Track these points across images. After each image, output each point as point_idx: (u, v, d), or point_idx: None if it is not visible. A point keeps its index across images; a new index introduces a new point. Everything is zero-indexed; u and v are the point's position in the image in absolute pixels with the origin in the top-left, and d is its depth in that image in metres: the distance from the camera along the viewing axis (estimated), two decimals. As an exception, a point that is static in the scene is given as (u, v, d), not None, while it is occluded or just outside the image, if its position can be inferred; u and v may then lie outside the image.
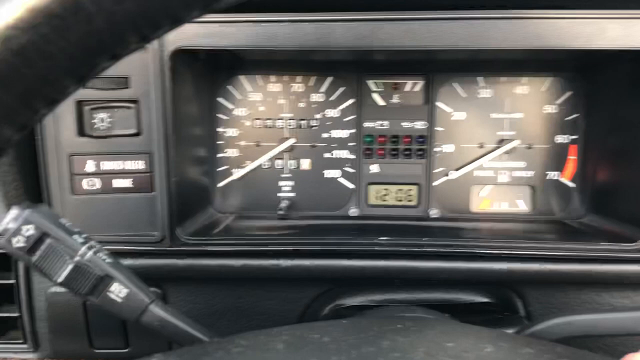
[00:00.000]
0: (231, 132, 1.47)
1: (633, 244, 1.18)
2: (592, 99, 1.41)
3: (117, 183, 1.20)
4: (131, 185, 1.20)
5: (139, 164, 1.19)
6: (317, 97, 1.46)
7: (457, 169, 1.47)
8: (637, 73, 1.21)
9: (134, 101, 1.16)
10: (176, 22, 0.46)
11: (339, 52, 1.20)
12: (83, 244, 0.84)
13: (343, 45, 1.11)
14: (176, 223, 1.20)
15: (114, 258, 0.89)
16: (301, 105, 1.46)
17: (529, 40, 1.10)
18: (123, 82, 1.15)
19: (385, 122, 1.47)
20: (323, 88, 1.45)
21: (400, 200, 1.49)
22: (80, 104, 1.16)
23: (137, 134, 1.18)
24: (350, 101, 1.46)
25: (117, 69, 1.13)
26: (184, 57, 1.18)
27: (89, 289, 0.84)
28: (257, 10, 1.12)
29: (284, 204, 1.43)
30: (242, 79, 1.45)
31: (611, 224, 1.32)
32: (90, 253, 0.84)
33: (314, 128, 1.47)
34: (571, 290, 1.27)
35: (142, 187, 1.20)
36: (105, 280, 0.85)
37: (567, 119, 1.44)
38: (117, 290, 0.86)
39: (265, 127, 1.47)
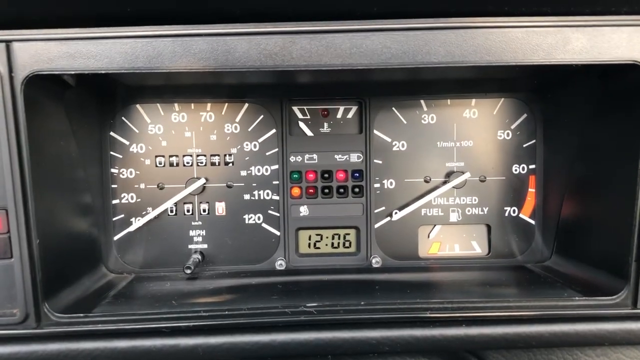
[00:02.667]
0: (127, 173, 1.21)
1: (612, 297, 0.97)
2: (551, 123, 1.22)
3: (-39, 249, 0.92)
4: (-20, 251, 0.92)
5: (-11, 224, 0.91)
6: (231, 128, 1.21)
7: (400, 208, 1.24)
8: (606, 90, 1.02)
9: None
10: None
11: (250, 74, 0.96)
12: None
13: (247, 65, 0.87)
14: (44, 296, 0.93)
15: None
16: (212, 138, 1.21)
17: (478, 55, 0.89)
18: (-38, 117, 0.88)
19: (315, 155, 1.23)
20: (238, 117, 1.21)
21: (336, 247, 1.25)
22: None
23: None
24: (272, 132, 1.22)
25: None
26: (46, 85, 0.92)
27: None
28: (136, 23, 0.87)
29: (192, 260, 1.16)
30: (139, 109, 1.20)
31: (581, 269, 1.12)
32: None
33: (229, 165, 1.22)
34: (539, 352, 1.05)
35: (-5, 253, 0.92)
36: None
37: (524, 145, 1.24)
38: None
39: (170, 166, 1.21)
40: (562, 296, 1.01)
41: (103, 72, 0.87)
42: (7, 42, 0.85)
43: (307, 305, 0.96)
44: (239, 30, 0.86)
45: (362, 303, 0.97)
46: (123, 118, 1.19)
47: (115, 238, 1.21)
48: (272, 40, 0.87)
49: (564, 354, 1.06)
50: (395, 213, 1.24)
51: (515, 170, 1.25)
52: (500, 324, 0.98)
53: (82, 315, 0.94)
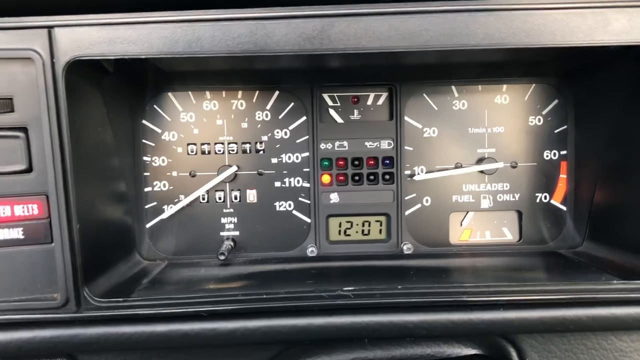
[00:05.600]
0: (159, 161, 1.21)
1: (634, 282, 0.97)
2: (584, 108, 1.21)
3: (3, 234, 0.93)
4: (22, 236, 0.94)
5: (31, 209, 0.92)
6: (262, 116, 1.22)
7: (431, 195, 1.24)
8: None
9: (22, 129, 0.90)
10: None
11: (283, 59, 0.96)
12: None
13: (285, 48, 0.87)
14: (83, 281, 0.94)
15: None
16: (244, 125, 1.22)
17: (517, 37, 0.88)
18: (6, 104, 0.89)
19: (345, 143, 1.23)
20: (269, 105, 1.22)
21: (366, 235, 1.25)
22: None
23: (27, 171, 0.92)
24: (302, 119, 1.22)
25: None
26: (86, 71, 0.93)
27: None
28: (176, 7, 0.87)
29: (225, 246, 1.17)
30: (171, 97, 1.20)
31: (615, 254, 1.11)
32: None
33: (260, 152, 1.22)
34: (574, 337, 1.05)
35: (37, 238, 0.94)
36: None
37: (555, 131, 1.23)
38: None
39: (201, 154, 1.22)
40: (598, 280, 1.01)
41: (143, 57, 0.88)
42: (49, 28, 0.86)
43: (344, 289, 0.96)
44: (277, 14, 0.87)
45: (399, 287, 0.98)
46: (155, 106, 1.20)
47: (148, 226, 1.22)
48: (310, 23, 0.87)
49: (598, 339, 1.06)
50: (426, 200, 1.24)
51: (547, 156, 1.24)
52: (538, 308, 0.98)
53: (121, 299, 0.95)
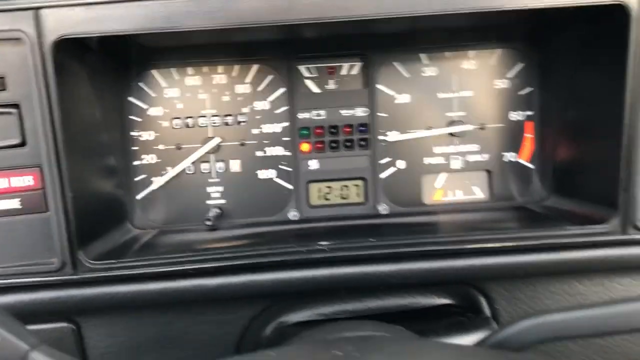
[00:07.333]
0: (147, 135, 1.28)
1: (602, 225, 1.05)
2: (546, 70, 1.28)
3: (2, 204, 1.00)
4: (19, 206, 1.01)
5: (26, 180, 0.99)
6: (242, 89, 1.28)
7: (404, 158, 1.32)
8: (594, 36, 1.08)
9: (14, 105, 0.97)
10: None
11: (258, 31, 1.02)
12: None
13: (256, 20, 0.94)
14: (78, 246, 1.01)
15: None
16: (225, 99, 1.28)
17: (477, 1, 0.95)
18: (-3, 83, 0.96)
19: (322, 112, 1.30)
20: (249, 78, 1.28)
21: (345, 198, 1.33)
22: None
23: (21, 145, 0.98)
24: (281, 90, 1.29)
25: (-15, 66, 0.94)
26: (72, 49, 0.99)
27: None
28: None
29: (212, 213, 1.25)
30: (155, 74, 1.27)
31: (576, 205, 1.19)
32: None
33: (242, 124, 1.29)
34: (539, 283, 1.14)
35: (33, 207, 1.01)
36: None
37: (520, 93, 1.30)
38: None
39: (186, 127, 1.28)
40: (559, 228, 1.09)
41: (123, 33, 0.95)
42: (36, 9, 0.93)
43: (320, 243, 1.04)
44: (248, -13, 0.93)
45: (372, 240, 1.06)
46: (140, 83, 1.26)
47: (138, 197, 1.29)
48: None
49: (561, 284, 1.14)
50: (400, 163, 1.31)
51: (513, 117, 1.31)
52: (502, 254, 1.06)
53: (114, 261, 1.03)
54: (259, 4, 0.94)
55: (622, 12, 0.95)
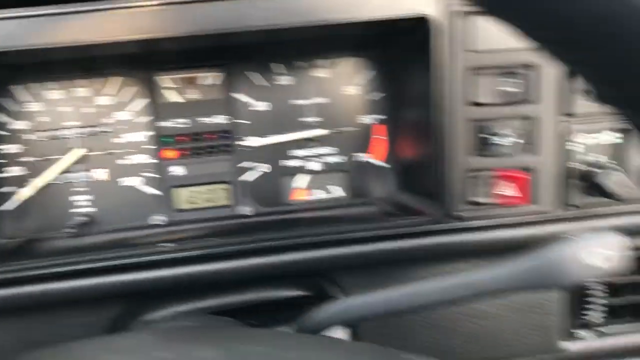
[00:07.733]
0: (12, 148, 1.32)
1: (426, 217, 1.16)
2: (393, 77, 1.39)
3: None
4: None
5: None
6: (105, 100, 1.34)
7: (267, 162, 1.40)
8: (414, 44, 1.19)
9: None
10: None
11: (117, 46, 1.08)
12: None
13: (112, 37, 1.02)
14: None
15: None
16: (89, 110, 1.34)
17: (295, 16, 1.05)
18: None
19: (185, 120, 1.37)
20: (110, 90, 1.34)
21: (211, 202, 1.40)
22: None
23: None
24: (142, 101, 1.35)
25: None
26: None
27: None
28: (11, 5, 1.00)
29: (75, 221, 1.30)
30: (19, 89, 1.31)
31: (415, 199, 1.31)
32: None
33: (106, 134, 1.35)
34: (383, 270, 1.24)
35: None
36: None
37: (371, 99, 1.41)
38: None
39: (51, 139, 1.33)
40: (395, 220, 1.20)
41: None
42: None
43: (163, 244, 1.12)
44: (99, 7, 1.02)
45: (212, 238, 1.14)
46: (3, 98, 1.30)
47: (2, 208, 1.32)
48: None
49: (404, 270, 1.26)
50: (259, 166, 1.39)
51: (367, 121, 1.42)
52: (342, 246, 1.17)
53: None
54: (115, 25, 1.01)
55: (422, 23, 1.06)
